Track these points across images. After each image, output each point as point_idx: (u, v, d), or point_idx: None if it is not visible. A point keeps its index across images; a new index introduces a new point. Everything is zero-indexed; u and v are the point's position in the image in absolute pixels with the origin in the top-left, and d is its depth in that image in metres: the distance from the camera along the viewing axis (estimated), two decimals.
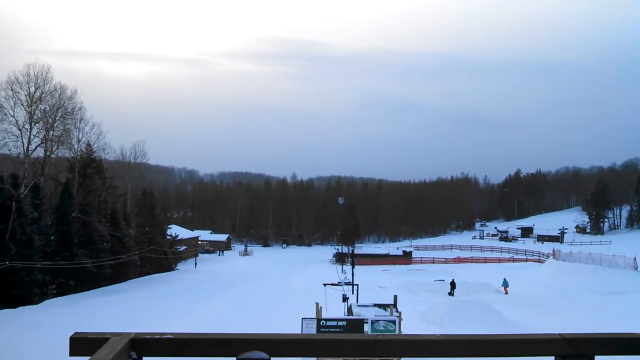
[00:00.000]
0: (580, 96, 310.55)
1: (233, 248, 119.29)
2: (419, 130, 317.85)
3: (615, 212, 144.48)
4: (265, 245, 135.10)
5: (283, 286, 50.37)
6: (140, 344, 2.14)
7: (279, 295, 42.58)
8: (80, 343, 2.10)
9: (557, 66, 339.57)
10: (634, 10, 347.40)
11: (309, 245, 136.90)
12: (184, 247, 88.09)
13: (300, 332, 15.86)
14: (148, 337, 2.16)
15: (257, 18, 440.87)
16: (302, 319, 17.16)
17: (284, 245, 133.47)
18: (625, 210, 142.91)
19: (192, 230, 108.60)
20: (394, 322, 17.30)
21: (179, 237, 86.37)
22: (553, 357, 2.31)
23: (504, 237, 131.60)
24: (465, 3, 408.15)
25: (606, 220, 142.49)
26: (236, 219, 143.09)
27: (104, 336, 2.11)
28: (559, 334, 2.31)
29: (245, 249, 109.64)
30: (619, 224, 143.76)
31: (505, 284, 48.50)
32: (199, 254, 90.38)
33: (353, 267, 34.23)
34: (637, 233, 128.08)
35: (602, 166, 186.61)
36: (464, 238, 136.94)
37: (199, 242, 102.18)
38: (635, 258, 55.04)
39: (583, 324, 28.75)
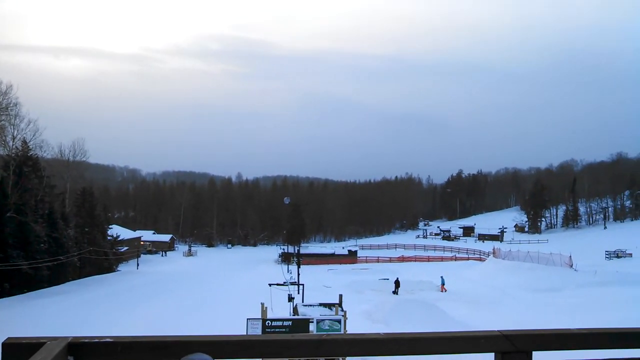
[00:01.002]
0: (520, 100, 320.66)
1: (176, 249, 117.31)
2: (365, 130, 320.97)
3: (551, 211, 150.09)
4: (210, 245, 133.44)
5: (228, 287, 49.90)
6: (78, 348, 2.01)
7: (223, 296, 42.15)
8: (13, 349, 1.94)
9: (499, 71, 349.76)
10: (574, 19, 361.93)
11: (255, 245, 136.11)
12: (126, 248, 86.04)
13: (245, 333, 15.75)
14: (86, 341, 2.04)
15: (201, 15, 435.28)
16: (247, 319, 17.03)
17: (229, 246, 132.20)
18: (561, 210, 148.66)
19: (134, 231, 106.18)
20: (339, 321, 17.38)
21: (120, 238, 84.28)
22: (493, 354, 2.38)
23: (447, 236, 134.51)
24: (411, 7, 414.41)
25: (543, 219, 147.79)
26: (180, 219, 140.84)
27: (39, 341, 1.97)
28: (498, 330, 2.37)
29: (189, 250, 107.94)
30: (555, 223, 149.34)
31: (442, 281, 49.60)
32: (141, 255, 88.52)
33: (299, 267, 34.25)
34: (573, 232, 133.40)
35: (540, 167, 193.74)
36: (408, 237, 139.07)
37: (141, 243, 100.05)
38: (570, 256, 57.26)
39: (522, 321, 29.67)
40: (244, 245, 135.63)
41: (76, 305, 39.08)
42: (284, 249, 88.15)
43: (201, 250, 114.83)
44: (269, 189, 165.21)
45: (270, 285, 27.09)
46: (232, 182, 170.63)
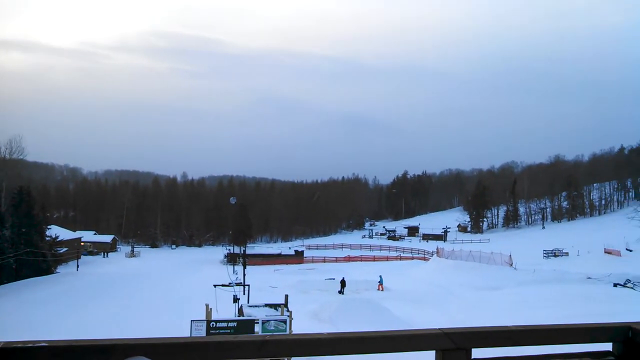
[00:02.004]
0: (464, 104, 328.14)
1: (119, 249, 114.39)
2: (313, 131, 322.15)
3: (493, 212, 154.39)
4: (154, 246, 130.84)
5: (172, 288, 49.08)
6: (11, 353, 1.91)
7: (167, 298, 41.44)
8: None
9: (445, 75, 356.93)
10: (508, 22, 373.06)
11: (200, 245, 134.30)
12: (65, 249, 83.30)
13: (189, 335, 15.52)
14: (19, 345, 1.95)
15: (147, 11, 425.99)
16: (192, 321, 16.83)
17: (173, 246, 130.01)
18: (502, 210, 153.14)
19: (74, 231, 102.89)
20: (284, 321, 17.38)
21: (59, 239, 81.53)
22: (434, 351, 2.43)
23: (392, 236, 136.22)
24: (362, 10, 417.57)
25: (485, 219, 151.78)
26: (122, 219, 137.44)
27: None
28: (439, 328, 2.43)
29: (132, 250, 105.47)
30: (496, 223, 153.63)
31: (380, 280, 50.27)
32: (82, 256, 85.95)
33: (244, 268, 34.11)
34: (513, 232, 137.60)
35: (482, 169, 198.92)
36: (354, 237, 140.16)
37: (82, 244, 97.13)
38: (510, 255, 59.03)
39: (464, 319, 30.33)
40: (189, 245, 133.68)
41: (11, 308, 37.61)
42: (229, 250, 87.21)
43: (144, 251, 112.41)
44: (214, 188, 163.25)
45: (215, 286, 26.84)
46: (177, 181, 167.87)
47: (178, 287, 49.96)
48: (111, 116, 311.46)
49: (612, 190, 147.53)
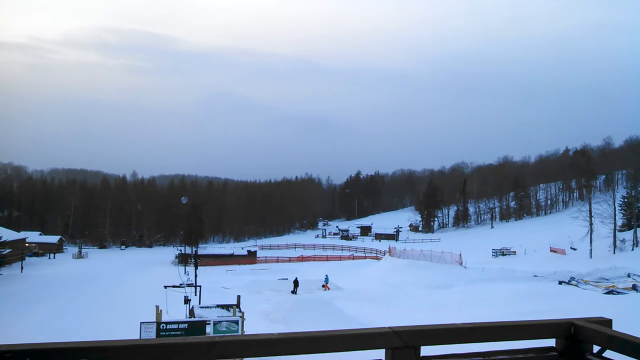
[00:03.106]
0: (417, 105, 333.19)
1: (66, 250, 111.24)
2: (266, 130, 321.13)
3: (444, 211, 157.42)
4: (102, 247, 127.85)
5: (121, 290, 48.04)
6: None
7: (116, 300, 40.53)
8: None
9: (399, 77, 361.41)
10: (461, 27, 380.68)
11: (150, 246, 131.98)
12: (9, 250, 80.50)
13: (138, 337, 15.23)
14: None
15: (97, 5, 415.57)
16: (141, 323, 16.51)
17: (123, 247, 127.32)
18: (452, 210, 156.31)
19: (19, 232, 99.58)
20: (236, 322, 17.25)
21: (2, 239, 78.76)
22: (384, 350, 2.46)
23: (345, 235, 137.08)
24: (317, 11, 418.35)
25: (436, 219, 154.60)
26: (69, 219, 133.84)
27: None
28: (389, 327, 2.46)
29: (80, 252, 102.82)
30: (447, 222, 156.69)
31: (326, 280, 50.57)
32: (27, 258, 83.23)
33: (196, 268, 33.68)
34: (463, 231, 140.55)
35: (433, 169, 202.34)
36: (308, 237, 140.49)
37: (26, 245, 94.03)
38: (460, 254, 60.22)
39: (415, 317, 30.75)
40: (139, 246, 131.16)
41: None
42: (181, 250, 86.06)
43: (92, 252, 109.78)
44: (166, 188, 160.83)
45: (165, 287, 26.40)
46: (127, 180, 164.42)
47: (127, 288, 48.94)
48: (58, 113, 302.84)
49: (557, 191, 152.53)
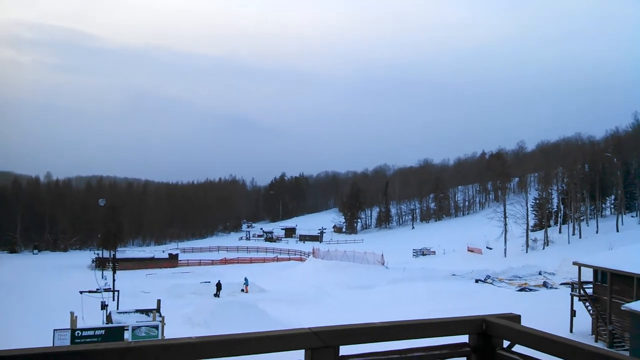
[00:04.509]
0: (342, 108, 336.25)
1: None
2: (189, 131, 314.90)
3: (367, 213, 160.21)
4: (13, 251, 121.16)
5: (34, 296, 45.83)
6: None
7: (27, 307, 38.64)
8: None
9: (322, 80, 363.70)
10: (384, 30, 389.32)
11: (65, 250, 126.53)
12: None
13: (51, 345, 14.58)
14: None
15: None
16: (54, 330, 15.84)
17: (36, 251, 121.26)
18: (375, 211, 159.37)
19: None
20: (156, 327, 16.88)
21: None
22: (304, 350, 2.47)
23: (269, 237, 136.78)
24: (240, 10, 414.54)
25: (359, 220, 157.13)
26: None
27: None
28: (308, 328, 2.48)
29: None
30: (370, 223, 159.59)
31: (246, 282, 50.46)
32: None
33: (114, 272, 32.69)
34: (385, 232, 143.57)
35: (357, 171, 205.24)
36: (231, 239, 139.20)
37: None
38: (382, 254, 61.55)
39: (338, 317, 31.05)
40: (53, 250, 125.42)
41: None
42: (98, 254, 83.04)
43: (2, 257, 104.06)
44: (82, 189, 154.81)
45: (82, 292, 25.46)
46: (40, 182, 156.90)
47: (40, 295, 46.71)
48: None
49: (474, 193, 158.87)
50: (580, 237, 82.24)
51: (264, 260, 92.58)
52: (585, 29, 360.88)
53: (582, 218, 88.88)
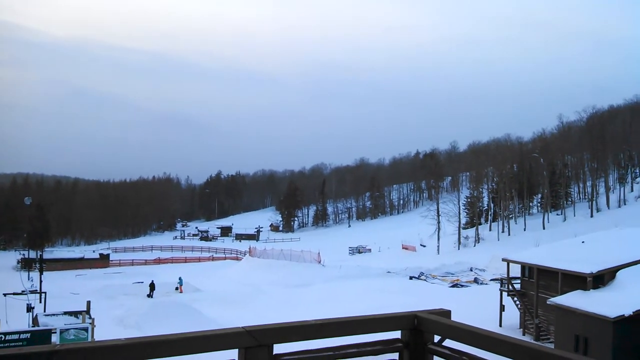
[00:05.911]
0: (280, 106, 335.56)
1: None
2: (122, 128, 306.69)
3: (304, 211, 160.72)
4: None
5: None
6: None
7: None
8: None
9: (265, 79, 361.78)
10: (325, 31, 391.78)
11: None
12: None
13: None
14: None
15: None
16: None
17: None
18: (312, 210, 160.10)
19: None
20: (86, 329, 16.36)
21: None
22: (237, 349, 2.46)
23: (205, 236, 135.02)
24: (182, 8, 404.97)
25: (296, 218, 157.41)
26: None
27: None
28: (242, 327, 2.47)
29: None
30: (307, 222, 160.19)
31: (180, 282, 49.84)
32: None
33: (41, 274, 31.48)
34: (322, 230, 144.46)
35: (294, 170, 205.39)
36: (165, 238, 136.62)
37: None
38: (319, 253, 61.91)
39: (273, 316, 31.04)
40: None
41: None
42: (24, 255, 79.74)
43: None
44: (6, 187, 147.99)
45: (5, 295, 24.39)
46: None
47: None
48: None
49: (409, 191, 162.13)
50: (509, 235, 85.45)
51: (199, 259, 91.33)
52: (511, 35, 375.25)
53: (511, 216, 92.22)
